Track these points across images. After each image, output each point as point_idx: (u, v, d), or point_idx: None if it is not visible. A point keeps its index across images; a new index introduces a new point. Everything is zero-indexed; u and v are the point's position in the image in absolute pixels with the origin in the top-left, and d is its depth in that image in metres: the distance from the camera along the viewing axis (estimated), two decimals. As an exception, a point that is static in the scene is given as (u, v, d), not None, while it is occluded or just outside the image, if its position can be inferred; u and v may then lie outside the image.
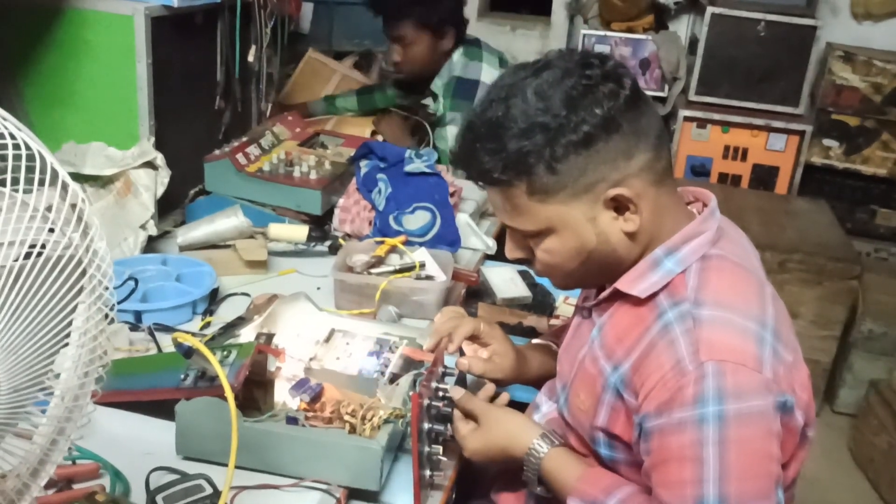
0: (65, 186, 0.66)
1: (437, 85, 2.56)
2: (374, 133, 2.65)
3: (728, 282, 1.04)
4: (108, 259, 0.71)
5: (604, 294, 1.12)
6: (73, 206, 0.66)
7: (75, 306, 0.72)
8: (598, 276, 1.12)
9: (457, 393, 1.18)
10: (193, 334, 1.49)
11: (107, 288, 0.70)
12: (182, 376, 1.18)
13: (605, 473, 1.09)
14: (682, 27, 3.93)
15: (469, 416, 1.18)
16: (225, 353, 1.18)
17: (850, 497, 2.82)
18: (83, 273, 0.68)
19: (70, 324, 0.74)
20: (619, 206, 1.03)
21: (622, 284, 1.07)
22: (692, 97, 3.66)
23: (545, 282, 1.82)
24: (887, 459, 2.78)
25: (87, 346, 0.74)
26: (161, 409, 1.20)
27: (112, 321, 0.74)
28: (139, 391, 1.22)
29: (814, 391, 3.14)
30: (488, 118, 1.02)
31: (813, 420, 1.06)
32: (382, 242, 1.77)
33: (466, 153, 1.05)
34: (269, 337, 1.27)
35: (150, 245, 1.85)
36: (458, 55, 2.55)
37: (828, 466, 2.94)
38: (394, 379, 1.30)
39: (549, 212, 1.03)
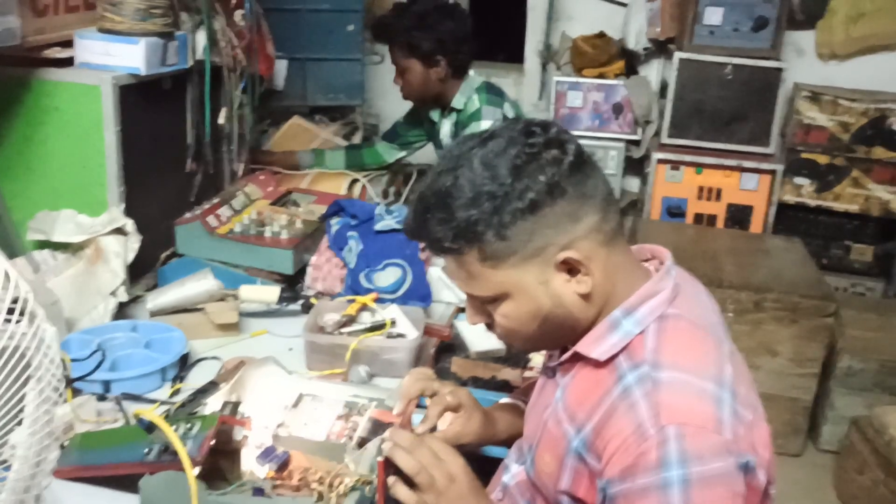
0: (8, 279, 0.67)
1: (459, 100, 2.58)
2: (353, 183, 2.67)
3: (685, 342, 1.04)
4: (55, 345, 0.72)
5: (565, 356, 1.13)
6: (16, 300, 0.66)
7: (23, 395, 0.72)
8: (558, 338, 1.13)
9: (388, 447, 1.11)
10: (161, 402, 1.49)
11: (53, 374, 0.70)
12: (146, 450, 1.18)
13: None
14: (652, 72, 4.01)
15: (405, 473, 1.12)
16: (188, 425, 1.18)
17: (836, 536, 2.81)
18: (28, 365, 0.69)
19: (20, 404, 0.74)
20: (571, 268, 1.04)
21: (582, 347, 1.08)
22: (665, 140, 3.72)
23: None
24: (871, 497, 2.77)
25: (39, 435, 0.74)
26: (127, 482, 1.19)
27: (63, 400, 0.73)
28: (103, 466, 1.21)
29: (797, 429, 3.13)
30: (437, 189, 1.04)
31: (774, 478, 1.06)
32: (353, 301, 1.78)
33: (418, 224, 1.07)
34: (235, 406, 1.27)
35: (123, 310, 1.85)
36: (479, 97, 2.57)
37: (813, 505, 2.93)
38: (362, 443, 1.30)
39: (501, 277, 1.05)
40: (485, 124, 2.47)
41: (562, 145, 1.03)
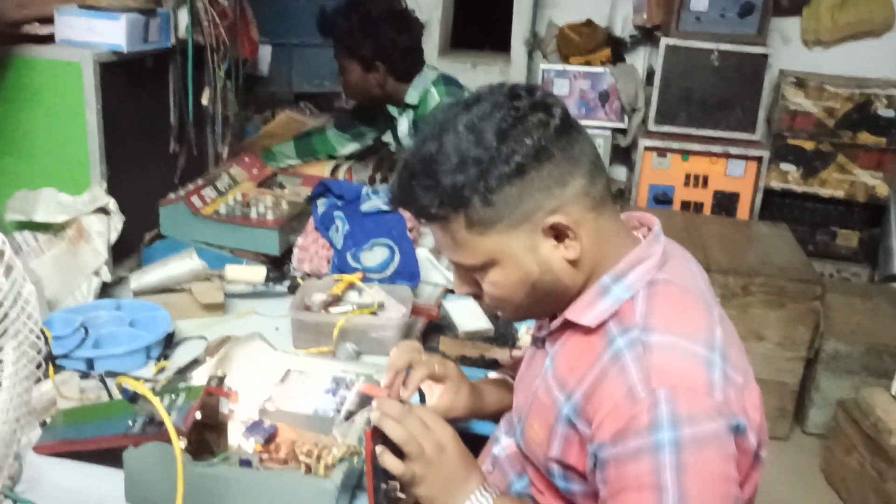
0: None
1: (413, 96, 2.54)
2: (335, 170, 2.65)
3: (675, 306, 1.04)
4: (33, 301, 0.70)
5: (555, 324, 1.11)
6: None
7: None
8: (548, 306, 1.11)
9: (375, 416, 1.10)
10: (146, 380, 1.47)
11: (32, 330, 0.69)
12: (130, 423, 1.16)
13: None
14: (638, 59, 4.01)
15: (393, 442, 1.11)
16: (173, 396, 1.16)
17: (824, 518, 2.82)
18: (6, 315, 0.67)
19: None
20: (559, 233, 1.03)
21: (571, 314, 1.07)
22: (651, 127, 3.72)
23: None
24: (859, 478, 2.78)
25: (18, 389, 0.72)
26: (111, 457, 1.17)
27: (40, 366, 0.72)
28: (86, 440, 1.19)
29: (783, 413, 3.14)
30: (422, 155, 1.02)
31: (765, 441, 1.06)
32: (340, 280, 1.76)
33: (404, 191, 1.05)
34: (221, 379, 1.25)
35: (106, 291, 1.83)
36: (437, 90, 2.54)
37: (801, 488, 2.94)
38: (350, 416, 1.28)
39: (489, 244, 1.03)
40: None
41: (548, 108, 1.02)
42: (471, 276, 1.11)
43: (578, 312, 1.06)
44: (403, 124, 2.60)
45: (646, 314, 1.02)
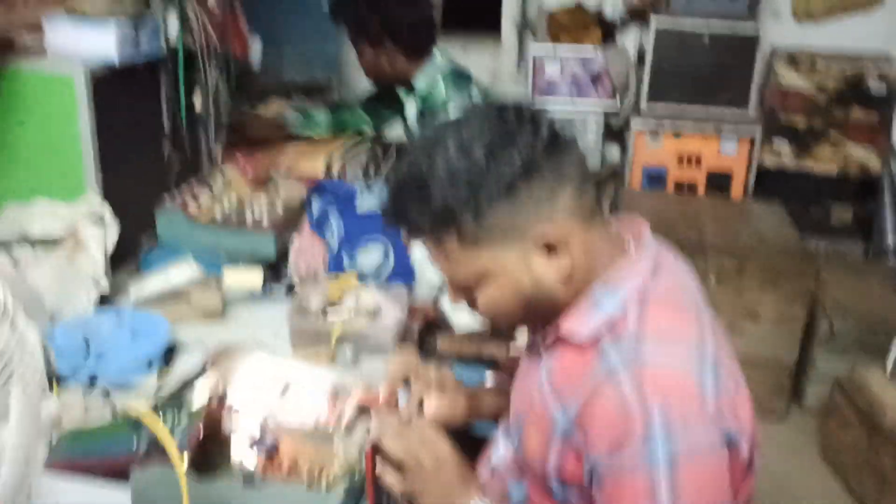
0: (-14, 286, 0.67)
1: (421, 81, 2.52)
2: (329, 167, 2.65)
3: (667, 317, 1.05)
4: (38, 349, 0.71)
5: (548, 340, 1.13)
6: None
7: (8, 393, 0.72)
8: (540, 318, 1.13)
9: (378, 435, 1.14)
10: (148, 392, 1.49)
11: (38, 370, 0.70)
12: (135, 441, 1.18)
13: None
14: (629, 39, 3.99)
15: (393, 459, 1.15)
16: (176, 412, 1.18)
17: (820, 493, 2.86)
18: (11, 360, 0.68)
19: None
20: (549, 248, 1.04)
21: (564, 329, 1.08)
22: (643, 107, 3.71)
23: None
24: (855, 454, 2.82)
25: (27, 431, 0.74)
26: (117, 472, 1.20)
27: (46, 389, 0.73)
28: (92, 461, 1.21)
29: (780, 391, 3.16)
30: (413, 173, 1.04)
31: (758, 445, 1.08)
32: (336, 279, 1.78)
33: (395, 209, 1.07)
34: (222, 398, 1.27)
35: (106, 298, 1.84)
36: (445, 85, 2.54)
37: (798, 464, 2.98)
38: (349, 426, 1.30)
39: (481, 260, 1.05)
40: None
41: (536, 124, 1.04)
42: (463, 290, 1.12)
43: (570, 328, 1.08)
44: (411, 109, 2.60)
45: (638, 328, 1.03)
